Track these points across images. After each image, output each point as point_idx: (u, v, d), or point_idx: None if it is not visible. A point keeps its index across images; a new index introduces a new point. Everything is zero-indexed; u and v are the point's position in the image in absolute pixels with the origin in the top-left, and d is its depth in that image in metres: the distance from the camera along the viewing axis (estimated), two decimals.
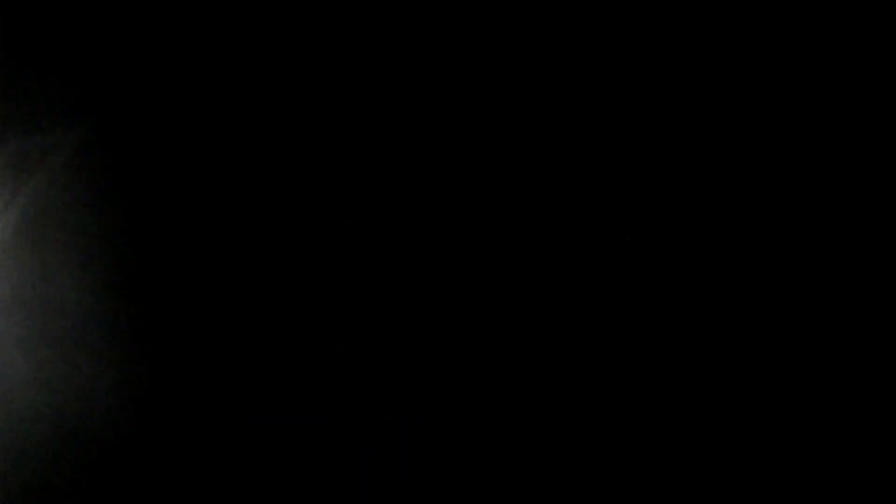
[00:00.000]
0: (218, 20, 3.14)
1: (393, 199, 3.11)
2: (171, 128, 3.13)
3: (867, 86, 3.09)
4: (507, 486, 2.92)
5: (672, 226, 3.08)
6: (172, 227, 3.09)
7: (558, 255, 3.08)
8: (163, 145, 3.13)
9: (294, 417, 2.98)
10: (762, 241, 3.06)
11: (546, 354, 3.03)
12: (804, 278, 3.04)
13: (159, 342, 3.03)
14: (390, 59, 3.15)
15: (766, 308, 3.03)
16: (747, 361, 3.00)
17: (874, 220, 3.05)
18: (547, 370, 3.02)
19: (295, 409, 2.98)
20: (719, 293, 3.04)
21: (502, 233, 3.09)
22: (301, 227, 3.09)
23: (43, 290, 2.93)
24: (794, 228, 3.06)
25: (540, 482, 2.92)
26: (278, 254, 3.09)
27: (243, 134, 3.13)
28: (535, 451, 2.94)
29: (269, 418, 2.97)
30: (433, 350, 3.03)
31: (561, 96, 3.14)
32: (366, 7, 3.15)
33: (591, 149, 3.12)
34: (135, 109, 3.13)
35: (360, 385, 3.00)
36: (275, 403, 2.99)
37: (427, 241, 3.09)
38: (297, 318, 3.05)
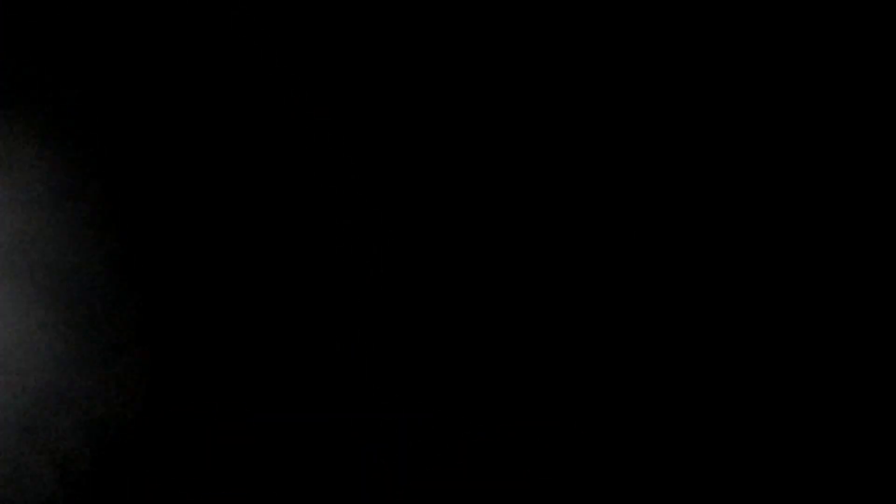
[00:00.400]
0: (218, 20, 3.14)
1: (393, 199, 3.11)
2: (168, 126, 3.13)
3: (867, 86, 3.10)
4: (507, 486, 2.92)
5: (672, 226, 3.08)
6: (171, 228, 3.09)
7: (558, 255, 3.08)
8: (159, 143, 3.13)
9: (294, 417, 2.98)
10: (762, 242, 3.06)
11: (546, 354, 3.03)
12: (804, 278, 3.04)
13: (158, 345, 3.04)
14: (390, 59, 3.15)
15: (766, 308, 3.03)
16: (747, 361, 3.00)
17: (874, 221, 3.05)
18: (547, 370, 3.02)
19: (295, 409, 2.98)
20: (719, 293, 3.05)
21: (502, 233, 3.09)
22: (301, 227, 3.09)
23: (18, 323, 2.94)
24: (795, 228, 3.06)
25: (540, 482, 2.92)
26: (278, 254, 3.09)
27: (243, 134, 3.13)
28: (535, 451, 2.95)
29: (269, 418, 2.98)
30: (433, 350, 3.03)
31: (561, 96, 3.14)
32: (366, 7, 3.16)
33: (591, 149, 3.12)
34: (131, 112, 3.13)
35: (360, 385, 3.00)
36: (275, 403, 2.99)
37: (427, 241, 3.09)
38: (297, 318, 3.05)
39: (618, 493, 2.92)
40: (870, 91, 3.10)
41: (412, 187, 3.12)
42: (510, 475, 2.92)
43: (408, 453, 2.94)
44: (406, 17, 3.17)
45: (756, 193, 3.09)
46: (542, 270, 3.08)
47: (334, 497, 2.91)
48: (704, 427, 2.97)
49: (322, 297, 3.06)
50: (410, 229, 3.09)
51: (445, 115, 3.15)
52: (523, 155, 3.13)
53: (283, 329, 3.05)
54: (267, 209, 3.10)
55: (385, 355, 3.02)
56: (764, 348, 3.01)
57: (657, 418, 2.98)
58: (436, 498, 2.90)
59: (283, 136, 3.14)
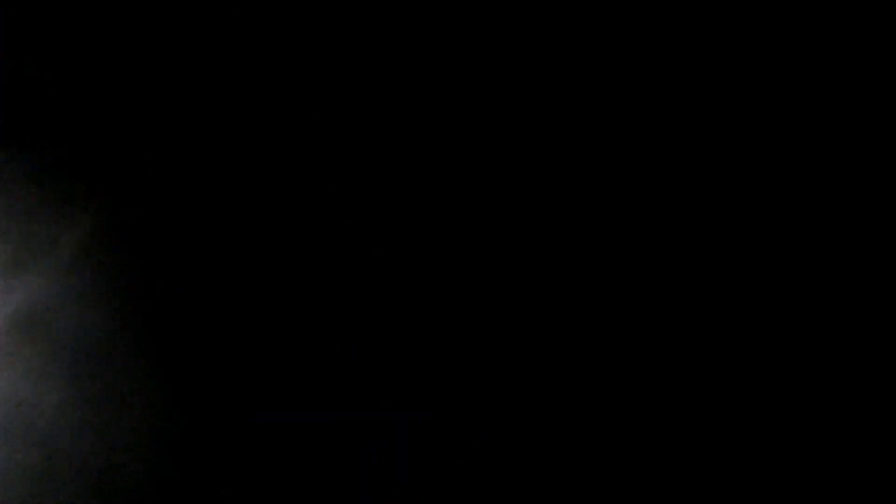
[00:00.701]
0: (218, 20, 3.15)
1: (393, 199, 3.11)
2: (167, 125, 3.13)
3: (867, 86, 3.10)
4: (507, 486, 2.92)
5: (672, 226, 3.08)
6: (170, 228, 3.09)
7: (558, 255, 3.08)
8: (158, 141, 3.13)
9: (294, 417, 2.98)
10: (762, 242, 3.06)
11: (546, 354, 3.03)
12: (804, 278, 3.04)
13: (158, 343, 3.04)
14: (390, 59, 3.15)
15: (766, 308, 3.03)
16: (747, 361, 3.01)
17: (874, 220, 3.05)
18: (547, 370, 3.02)
19: (295, 409, 2.98)
20: (719, 293, 3.05)
21: (502, 232, 3.09)
22: (301, 227, 3.09)
23: (26, 392, 2.94)
24: (795, 228, 3.07)
25: (540, 482, 2.92)
26: (279, 254, 3.09)
27: (243, 134, 3.13)
28: (535, 451, 2.95)
29: (269, 418, 2.98)
30: (433, 350, 3.03)
31: (561, 96, 3.14)
32: (366, 7, 3.16)
33: (591, 149, 3.12)
34: (129, 112, 3.13)
35: (360, 385, 3.01)
36: (275, 403, 2.99)
37: (427, 241, 3.09)
38: (297, 318, 3.05)
39: (618, 493, 2.92)
40: (870, 91, 3.10)
41: (412, 187, 3.12)
42: (510, 475, 2.92)
43: (408, 453, 2.94)
44: (406, 18, 3.17)
45: (756, 193, 3.09)
46: (541, 270, 3.08)
47: (334, 497, 2.91)
48: (704, 427, 2.97)
49: (322, 297, 3.06)
50: (410, 229, 3.09)
51: (445, 115, 3.15)
52: (523, 155, 3.13)
53: (283, 329, 3.05)
54: (267, 209, 3.11)
55: (385, 355, 3.02)
56: (764, 348, 3.01)
57: (657, 418, 2.98)
58: (436, 498, 2.90)
59: (283, 136, 3.14)
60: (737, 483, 2.91)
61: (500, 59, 3.13)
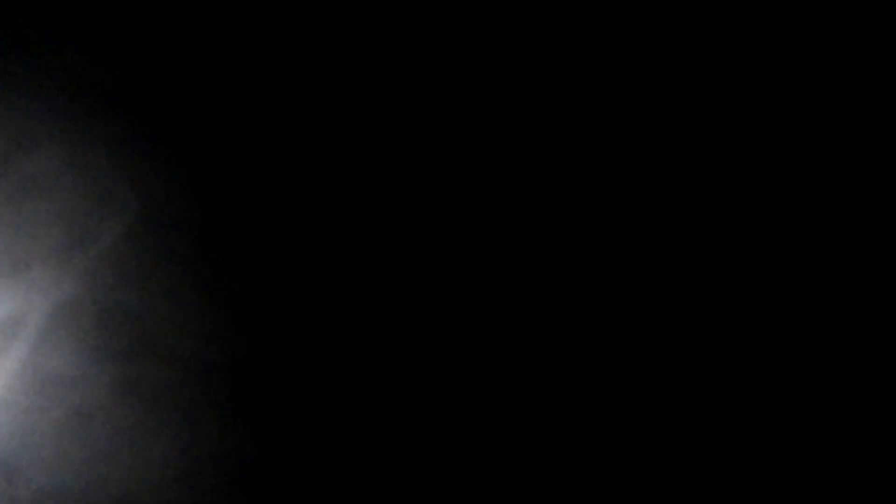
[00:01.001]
0: (218, 20, 3.14)
1: (393, 199, 3.11)
2: (168, 126, 3.13)
3: (867, 86, 3.10)
4: (507, 486, 2.92)
5: (672, 226, 3.08)
6: (168, 228, 3.09)
7: (558, 255, 3.08)
8: (158, 143, 3.13)
9: (294, 417, 2.98)
10: (762, 242, 3.06)
11: (546, 354, 3.03)
12: (803, 279, 3.04)
13: (157, 340, 3.03)
14: (390, 59, 3.15)
15: (766, 308, 3.03)
16: (747, 361, 3.00)
17: (874, 221, 3.05)
18: (547, 370, 3.02)
19: (295, 409, 2.98)
20: (719, 293, 3.04)
21: (502, 233, 3.09)
22: (301, 227, 3.09)
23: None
24: (794, 228, 3.06)
25: (540, 482, 2.92)
26: (278, 254, 3.09)
27: (243, 134, 3.13)
28: (535, 451, 2.95)
29: (269, 418, 2.97)
30: (433, 350, 3.03)
31: (561, 96, 3.14)
32: (366, 7, 3.16)
33: (591, 149, 3.12)
34: (127, 113, 3.13)
35: (360, 385, 3.00)
36: (275, 403, 2.99)
37: (427, 241, 3.09)
38: (297, 318, 3.05)
39: (618, 493, 2.92)
40: (870, 91, 3.10)
41: (412, 187, 3.11)
42: (510, 475, 2.92)
43: (408, 453, 2.94)
44: (406, 18, 3.16)
45: (756, 193, 3.09)
46: (541, 270, 3.08)
47: (334, 497, 2.91)
48: (704, 427, 2.97)
49: (322, 297, 3.06)
50: (410, 229, 3.09)
51: (445, 115, 3.14)
52: (523, 155, 3.13)
53: (282, 329, 3.04)
54: (267, 209, 3.10)
55: (385, 355, 3.02)
56: (764, 348, 3.01)
57: (657, 418, 2.98)
58: (436, 498, 2.90)
59: (282, 136, 3.14)
60: (737, 483, 2.91)
61: (501, 60, 3.13)
